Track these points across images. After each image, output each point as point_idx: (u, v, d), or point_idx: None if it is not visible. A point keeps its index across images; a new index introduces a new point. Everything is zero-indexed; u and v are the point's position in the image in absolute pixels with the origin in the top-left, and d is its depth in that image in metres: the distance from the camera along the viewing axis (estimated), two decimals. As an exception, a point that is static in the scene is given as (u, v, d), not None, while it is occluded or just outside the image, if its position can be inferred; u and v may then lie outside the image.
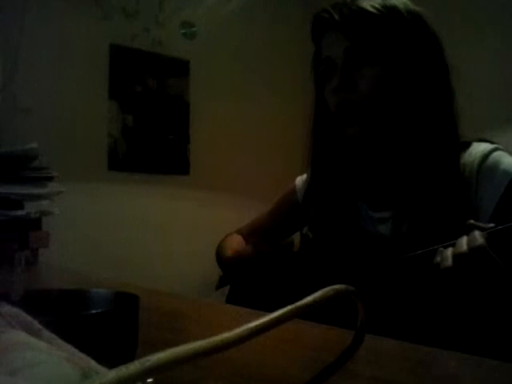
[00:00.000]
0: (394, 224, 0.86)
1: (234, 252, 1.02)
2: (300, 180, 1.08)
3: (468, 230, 0.65)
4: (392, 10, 0.83)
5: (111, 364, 0.24)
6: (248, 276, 0.98)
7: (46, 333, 0.29)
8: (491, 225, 0.65)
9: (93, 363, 0.26)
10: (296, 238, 1.10)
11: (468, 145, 0.85)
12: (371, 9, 0.82)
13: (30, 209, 1.24)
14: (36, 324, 0.30)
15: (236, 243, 1.09)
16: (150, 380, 0.25)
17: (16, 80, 2.00)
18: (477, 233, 0.63)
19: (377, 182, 0.92)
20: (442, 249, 0.66)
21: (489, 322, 0.73)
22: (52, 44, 2.12)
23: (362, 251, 0.88)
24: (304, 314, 0.35)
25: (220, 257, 1.10)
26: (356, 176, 0.94)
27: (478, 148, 0.84)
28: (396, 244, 0.84)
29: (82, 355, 0.27)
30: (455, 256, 0.63)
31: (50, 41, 2.11)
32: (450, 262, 0.63)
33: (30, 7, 2.03)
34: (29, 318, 0.30)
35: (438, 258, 0.66)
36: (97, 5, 2.25)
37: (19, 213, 1.22)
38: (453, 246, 0.66)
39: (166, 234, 2.44)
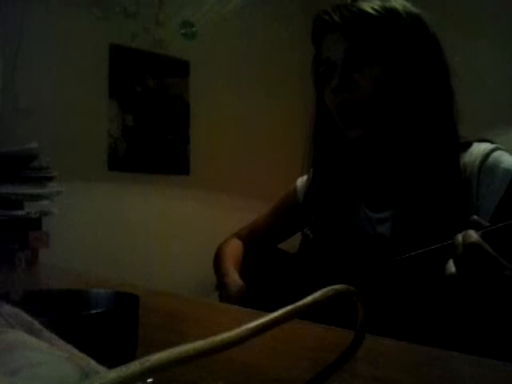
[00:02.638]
0: (394, 224, 0.86)
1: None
2: (300, 181, 1.08)
3: (471, 227, 0.65)
4: (392, 12, 0.83)
5: (111, 364, 0.24)
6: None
7: (46, 333, 0.29)
8: (487, 224, 0.64)
9: (93, 363, 0.26)
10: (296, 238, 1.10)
11: (468, 145, 0.86)
12: (371, 11, 0.82)
13: (30, 209, 1.24)
14: (36, 324, 0.30)
15: (234, 254, 1.09)
16: (149, 380, 0.25)
17: (16, 80, 2.00)
18: (471, 231, 0.63)
19: (377, 183, 0.93)
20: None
21: (489, 321, 0.73)
22: (52, 44, 2.12)
23: (362, 251, 0.88)
24: (304, 313, 0.35)
25: (217, 264, 1.10)
26: (356, 177, 0.94)
27: (479, 148, 0.84)
28: (396, 244, 0.84)
29: (82, 355, 0.27)
30: (455, 260, 0.62)
31: (50, 41, 2.11)
32: (453, 268, 0.63)
33: (29, 7, 2.03)
34: (29, 318, 0.30)
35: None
36: (97, 5, 2.25)
37: (19, 213, 1.22)
38: (452, 245, 0.66)
39: (165, 233, 2.44)
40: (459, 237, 0.63)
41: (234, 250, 1.10)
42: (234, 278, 1.02)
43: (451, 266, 0.63)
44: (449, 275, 0.63)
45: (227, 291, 1.00)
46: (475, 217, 0.66)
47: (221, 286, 1.04)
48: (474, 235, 0.61)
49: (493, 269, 0.61)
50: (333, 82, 0.85)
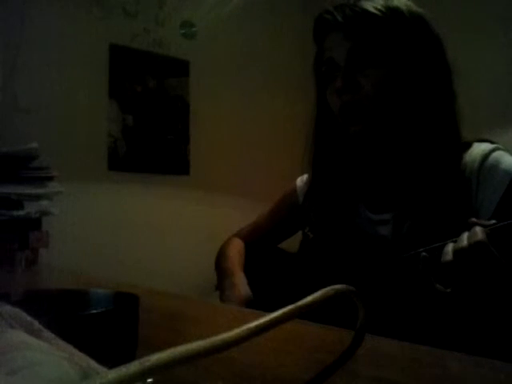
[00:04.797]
0: (395, 225, 0.86)
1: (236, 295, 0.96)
2: (300, 181, 1.08)
3: (470, 229, 0.65)
4: (394, 11, 0.83)
5: (111, 364, 0.24)
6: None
7: (46, 333, 0.29)
8: (493, 221, 0.65)
9: (93, 363, 0.26)
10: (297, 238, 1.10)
11: (469, 145, 0.86)
12: (374, 10, 0.82)
13: (30, 209, 1.24)
14: (36, 324, 0.30)
15: (238, 255, 1.07)
16: (149, 380, 0.25)
17: (16, 80, 2.00)
18: (478, 228, 0.63)
19: (377, 184, 0.92)
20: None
21: (489, 321, 0.73)
22: (52, 44, 2.12)
23: (363, 252, 0.88)
24: (304, 313, 0.35)
25: (220, 265, 1.08)
26: (357, 178, 0.94)
27: (479, 148, 0.84)
28: (397, 245, 0.84)
29: (82, 355, 0.27)
30: (456, 251, 0.64)
31: (49, 41, 2.11)
32: (450, 256, 0.64)
33: (29, 7, 2.03)
34: (29, 318, 0.30)
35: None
36: (97, 5, 2.25)
37: (19, 213, 1.22)
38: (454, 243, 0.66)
39: (165, 233, 2.44)
40: (465, 234, 0.64)
41: (237, 250, 1.09)
42: (242, 285, 0.96)
43: (449, 252, 0.64)
44: (445, 262, 0.64)
45: (232, 294, 0.94)
46: (473, 219, 0.66)
47: (225, 285, 0.99)
48: (480, 234, 0.62)
49: (493, 267, 0.61)
50: (336, 84, 0.84)
